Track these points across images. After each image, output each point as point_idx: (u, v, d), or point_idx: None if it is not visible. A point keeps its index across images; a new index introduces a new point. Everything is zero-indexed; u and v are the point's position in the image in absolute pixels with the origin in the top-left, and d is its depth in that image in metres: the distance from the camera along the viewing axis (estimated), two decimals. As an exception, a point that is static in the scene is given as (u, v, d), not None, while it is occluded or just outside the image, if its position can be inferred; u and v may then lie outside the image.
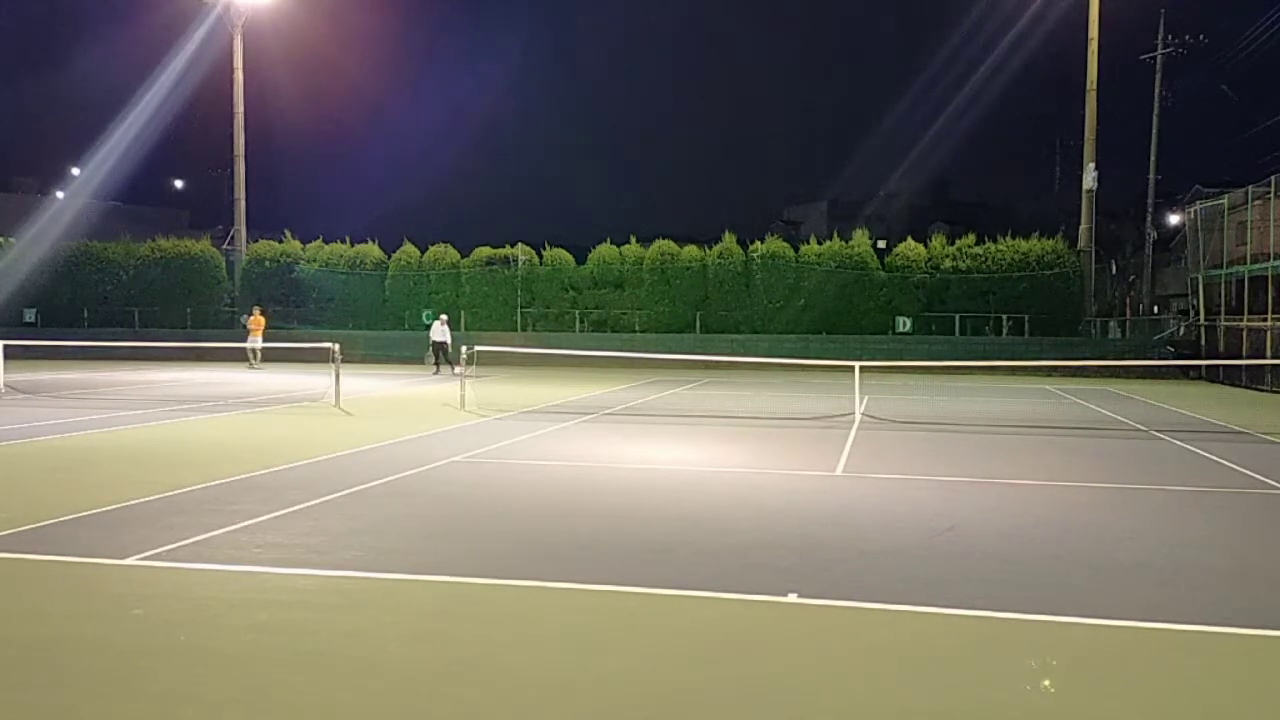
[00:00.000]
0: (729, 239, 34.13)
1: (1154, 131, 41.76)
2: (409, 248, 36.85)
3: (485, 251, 36.10)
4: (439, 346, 27.63)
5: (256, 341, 28.48)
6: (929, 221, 56.15)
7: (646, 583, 6.05)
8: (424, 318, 35.52)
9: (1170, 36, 41.86)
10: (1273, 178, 25.21)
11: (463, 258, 36.26)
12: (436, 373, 26.89)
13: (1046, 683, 4.50)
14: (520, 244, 35.93)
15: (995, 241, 32.22)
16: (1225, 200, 28.60)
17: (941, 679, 4.52)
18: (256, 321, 29.30)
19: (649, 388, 22.66)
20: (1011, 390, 22.64)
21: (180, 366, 29.69)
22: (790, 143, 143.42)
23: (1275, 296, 24.09)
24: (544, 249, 35.84)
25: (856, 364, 17.52)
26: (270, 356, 29.44)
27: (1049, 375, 27.13)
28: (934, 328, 31.70)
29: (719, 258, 33.78)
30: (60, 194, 56.22)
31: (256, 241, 38.93)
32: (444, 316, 29.08)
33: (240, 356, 28.69)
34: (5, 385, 19.49)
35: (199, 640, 4.98)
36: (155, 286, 37.36)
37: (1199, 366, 26.45)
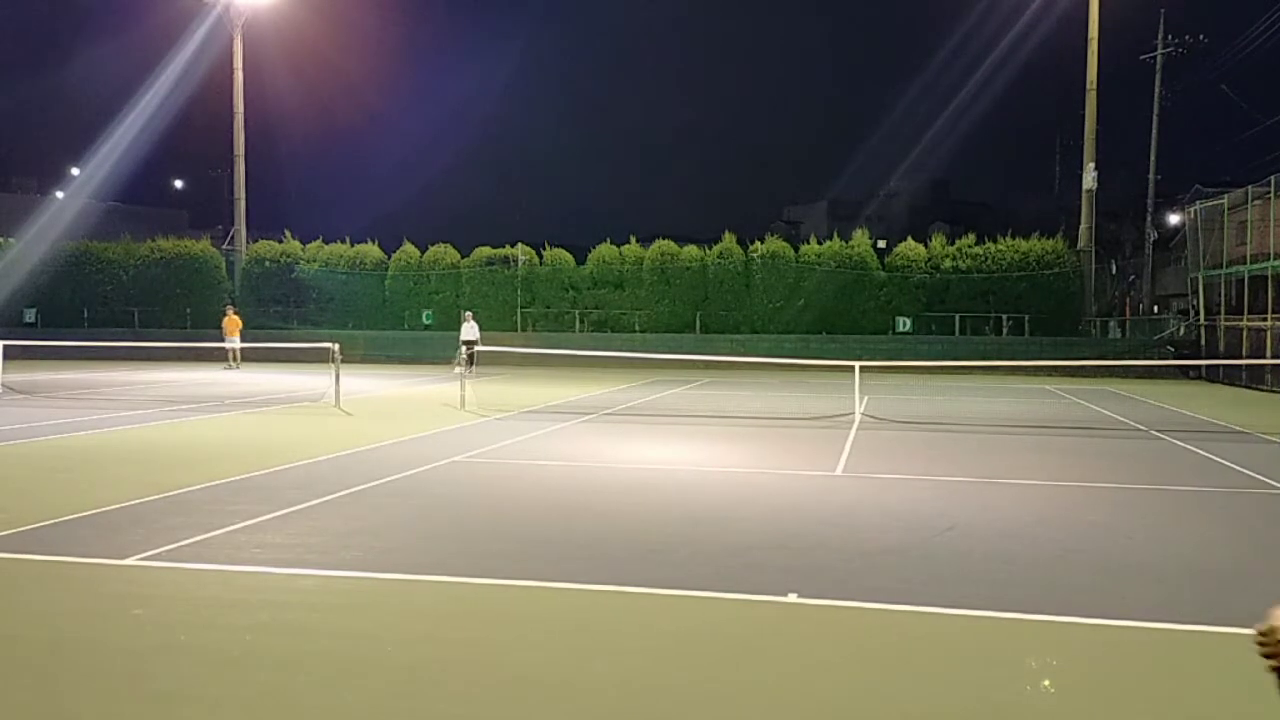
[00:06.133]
0: (729, 239, 34.12)
1: (1154, 131, 41.74)
2: (409, 248, 36.83)
3: (485, 251, 36.09)
4: (469, 345, 26.90)
5: (234, 342, 28.49)
6: (929, 221, 56.20)
7: (646, 583, 6.04)
8: (424, 318, 35.53)
9: (1170, 36, 41.84)
10: (1273, 178, 25.20)
11: (463, 258, 36.25)
12: (468, 371, 26.46)
13: (1046, 683, 4.49)
14: (520, 244, 35.92)
15: (995, 241, 32.22)
16: (1225, 200, 28.58)
17: (941, 679, 4.52)
18: (232, 322, 29.29)
19: (649, 388, 22.66)
20: (1011, 390, 22.63)
21: (180, 367, 29.68)
22: (790, 143, 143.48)
23: (1275, 296, 24.09)
24: (544, 249, 35.83)
25: (856, 364, 17.51)
26: (270, 357, 29.45)
27: (1049, 375, 27.12)
28: (934, 328, 31.70)
29: (719, 258, 33.78)
30: (60, 194, 56.19)
31: (256, 241, 38.92)
32: (470, 314, 28.89)
33: (224, 356, 28.67)
34: (4, 386, 19.48)
35: (199, 640, 4.98)
36: (155, 286, 37.33)
37: (1199, 366, 26.44)
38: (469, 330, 27.65)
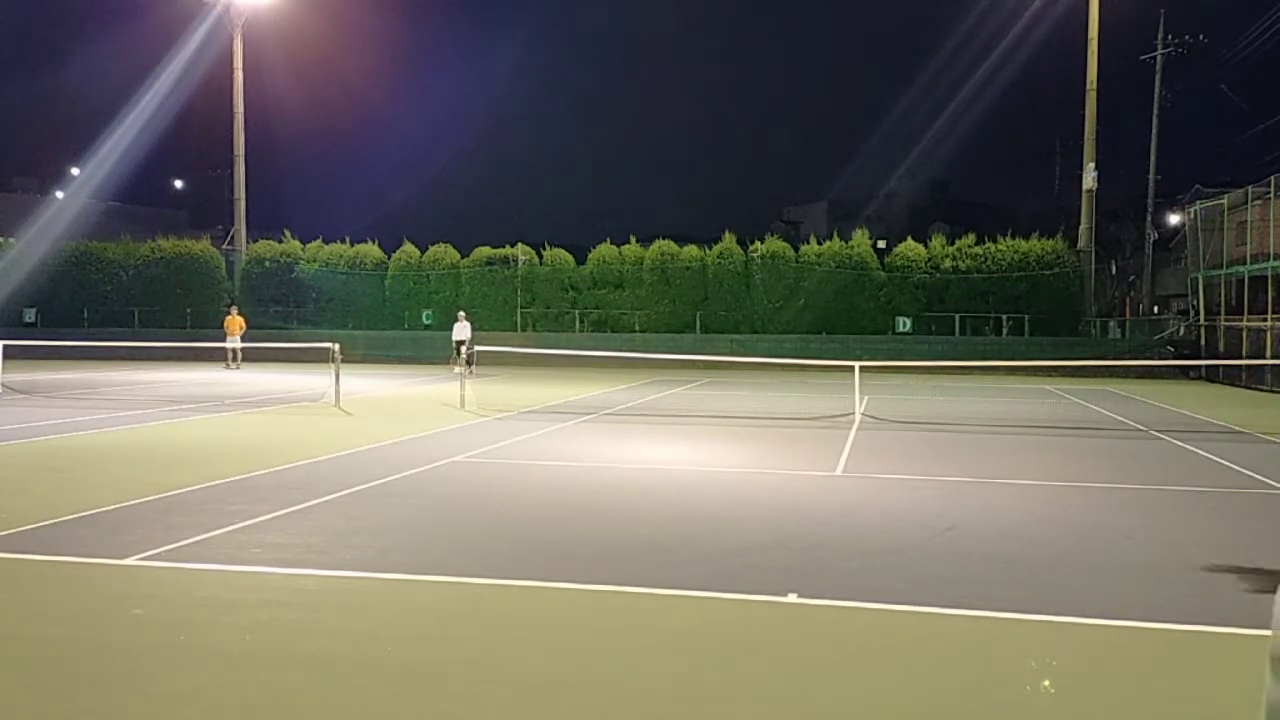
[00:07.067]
0: (729, 239, 34.14)
1: (1154, 131, 41.78)
2: (409, 248, 36.86)
3: (485, 251, 36.10)
4: (460, 345, 26.76)
5: (235, 342, 28.52)
6: (929, 221, 56.20)
7: (646, 583, 6.04)
8: (424, 318, 35.54)
9: (1170, 36, 41.87)
10: (1273, 178, 25.23)
11: (463, 258, 36.27)
12: (468, 370, 26.26)
13: (1046, 683, 4.49)
14: (520, 244, 35.94)
15: (995, 241, 32.24)
16: (1225, 200, 28.60)
17: (942, 679, 4.52)
18: (234, 321, 29.30)
19: (649, 388, 22.65)
20: (1011, 390, 22.63)
21: (180, 367, 29.68)
22: (790, 143, 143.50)
23: (1275, 296, 24.10)
24: (544, 249, 35.85)
25: (856, 364, 17.52)
26: (270, 356, 29.44)
27: (1049, 375, 27.12)
28: (934, 328, 31.71)
29: (719, 258, 33.79)
30: (60, 194, 56.18)
31: (256, 241, 38.93)
32: (463, 313, 28.84)
33: (224, 356, 28.67)
34: (4, 385, 19.48)
35: (199, 640, 4.97)
36: (155, 286, 37.35)
37: (1199, 366, 26.45)
38: (460, 330, 27.61)
